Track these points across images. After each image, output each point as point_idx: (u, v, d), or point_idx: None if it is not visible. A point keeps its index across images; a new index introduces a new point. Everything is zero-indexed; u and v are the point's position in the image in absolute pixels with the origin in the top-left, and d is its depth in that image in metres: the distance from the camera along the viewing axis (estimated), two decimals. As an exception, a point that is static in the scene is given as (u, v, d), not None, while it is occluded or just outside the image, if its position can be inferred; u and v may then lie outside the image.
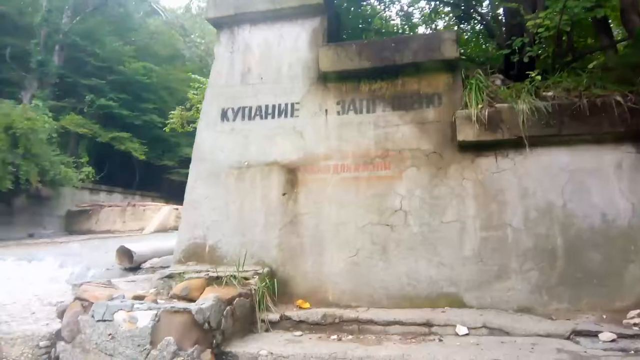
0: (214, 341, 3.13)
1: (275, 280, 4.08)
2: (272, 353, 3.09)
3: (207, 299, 3.21)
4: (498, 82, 4.46)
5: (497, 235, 3.77)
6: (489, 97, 4.09)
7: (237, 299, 3.46)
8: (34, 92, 20.75)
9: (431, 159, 4.06)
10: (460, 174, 3.96)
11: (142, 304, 3.04)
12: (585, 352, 2.82)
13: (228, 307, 3.32)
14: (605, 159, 3.71)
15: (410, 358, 2.88)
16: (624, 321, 3.20)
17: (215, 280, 3.68)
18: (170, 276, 4.00)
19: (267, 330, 3.59)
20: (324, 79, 4.48)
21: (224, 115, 4.64)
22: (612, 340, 2.92)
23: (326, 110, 4.42)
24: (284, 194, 4.31)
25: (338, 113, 4.39)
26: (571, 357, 2.74)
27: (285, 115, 4.50)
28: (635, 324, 3.14)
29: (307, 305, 3.92)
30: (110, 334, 2.94)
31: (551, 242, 3.67)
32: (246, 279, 3.82)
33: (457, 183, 3.95)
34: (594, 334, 3.04)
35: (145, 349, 2.88)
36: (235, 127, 4.58)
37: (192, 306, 3.01)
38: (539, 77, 3.97)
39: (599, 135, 3.70)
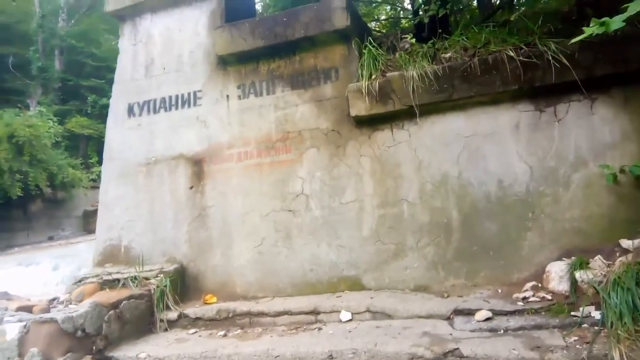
0: (94, 347, 3.12)
1: (185, 276, 4.04)
2: (149, 355, 3.07)
3: (83, 305, 3.19)
4: (407, 46, 4.16)
5: (394, 212, 3.57)
6: (388, 65, 3.82)
7: (125, 301, 3.43)
8: (38, 98, 21.29)
9: (330, 138, 3.87)
10: (358, 150, 3.76)
11: (13, 315, 3.04)
12: (450, 334, 2.67)
13: (112, 312, 3.31)
14: (501, 121, 3.42)
15: (274, 352, 2.80)
16: (514, 295, 3.00)
17: (111, 283, 3.67)
18: (81, 280, 4.00)
19: (165, 330, 3.57)
20: (224, 63, 4.30)
21: (130, 111, 4.55)
22: (487, 319, 2.75)
23: (227, 96, 4.26)
24: (191, 188, 4.22)
25: (239, 97, 4.23)
26: (432, 340, 2.59)
27: (189, 105, 4.36)
28: (524, 298, 2.93)
29: (214, 300, 3.87)
30: (-14, 348, 2.96)
31: (446, 215, 3.45)
32: (147, 278, 3.79)
33: (355, 161, 3.75)
34: (472, 313, 2.85)
35: (15, 361, 2.89)
36: (141, 122, 4.49)
37: (59, 315, 2.99)
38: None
39: (493, 96, 3.41)
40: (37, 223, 17.93)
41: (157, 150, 4.38)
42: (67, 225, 17.77)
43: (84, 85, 20.79)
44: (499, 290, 3.16)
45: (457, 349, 2.46)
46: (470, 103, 3.48)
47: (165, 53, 4.55)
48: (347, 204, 3.72)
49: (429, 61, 3.65)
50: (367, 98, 3.62)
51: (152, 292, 3.69)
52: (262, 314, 3.41)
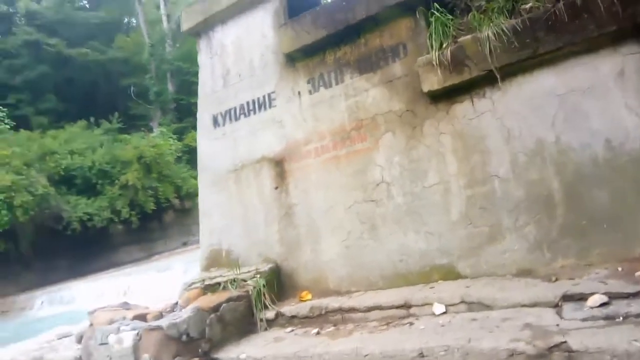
0: (200, 349, 3.33)
1: (280, 274, 4.13)
2: (249, 356, 3.19)
3: (186, 311, 3.41)
4: (483, 3, 3.73)
5: (484, 191, 3.24)
6: (460, 30, 3.47)
7: (224, 304, 3.60)
8: (158, 120, 23.69)
9: (405, 119, 3.63)
10: (436, 128, 3.48)
11: (128, 325, 3.36)
12: (557, 324, 2.33)
13: (212, 315, 3.49)
14: (601, 71, 2.89)
15: (363, 351, 2.71)
16: (637, 273, 2.53)
17: (212, 287, 3.88)
18: (191, 285, 4.31)
19: (265, 329, 3.68)
20: (292, 60, 4.28)
21: (215, 121, 4.76)
22: (602, 305, 2.34)
23: (299, 93, 4.23)
24: (276, 188, 4.29)
25: (310, 92, 4.17)
26: (534, 333, 2.29)
27: (265, 108, 4.43)
28: (652, 276, 2.44)
29: (309, 296, 3.89)
30: (108, 356, 3.33)
31: (546, 187, 3.02)
32: (244, 280, 3.93)
33: (435, 140, 3.47)
34: (585, 298, 2.45)
35: (132, 366, 3.19)
36: (225, 131, 4.67)
37: (164, 322, 3.23)
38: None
39: (588, 43, 2.89)
40: (172, 231, 19.95)
41: (242, 156, 4.52)
42: (196, 230, 19.43)
43: (194, 102, 22.53)
44: (619, 269, 2.68)
45: (565, 342, 2.13)
46: (560, 55, 2.99)
47: (238, 61, 4.67)
48: (430, 188, 3.46)
49: (506, 16, 3.22)
50: (439, 70, 3.32)
51: (250, 293, 3.81)
52: (353, 309, 3.34)
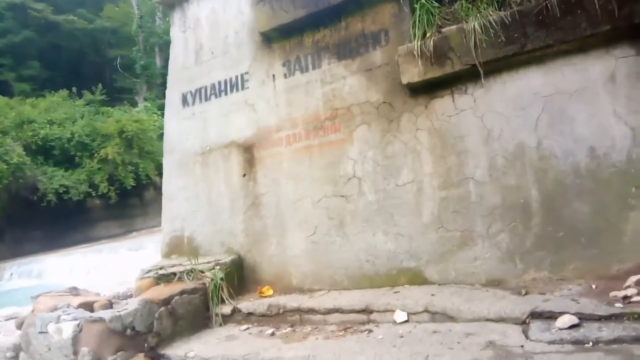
0: (146, 345, 3.11)
1: (242, 267, 3.92)
2: (197, 355, 2.98)
3: (132, 303, 3.18)
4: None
5: (458, 194, 3.04)
6: (446, 20, 3.23)
7: (176, 297, 3.38)
8: (144, 94, 23.11)
9: (382, 112, 3.40)
10: (414, 124, 3.26)
11: (69, 314, 3.12)
12: (522, 346, 2.15)
13: (163, 308, 3.27)
14: (591, 73, 2.68)
15: (315, 359, 2.50)
16: (611, 294, 2.36)
17: (167, 278, 3.64)
18: (148, 272, 4.07)
19: (220, 325, 3.48)
20: (268, 40, 4.01)
21: (184, 100, 4.48)
22: (571, 327, 2.17)
23: (273, 76, 3.97)
24: (244, 175, 4.05)
25: (285, 76, 3.91)
26: (496, 354, 2.10)
27: (237, 89, 4.16)
28: (625, 297, 2.29)
29: (270, 292, 3.70)
30: (47, 345, 3.10)
31: (524, 194, 2.83)
32: (202, 271, 3.71)
33: (411, 136, 3.26)
34: (555, 317, 2.28)
35: (71, 359, 2.96)
36: (195, 111, 4.40)
37: (107, 314, 3.00)
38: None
39: (579, 42, 2.67)
40: (152, 209, 19.55)
41: (211, 139, 4.26)
42: (177, 209, 19.09)
43: (182, 78, 21.92)
44: (593, 286, 2.52)
45: (527, 368, 1.95)
46: (549, 54, 2.78)
47: (212, 36, 4.37)
48: (403, 186, 3.26)
49: (495, 8, 2.98)
50: (420, 61, 3.09)
51: (207, 285, 3.59)
52: (312, 310, 3.14)
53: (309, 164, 3.70)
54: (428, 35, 3.14)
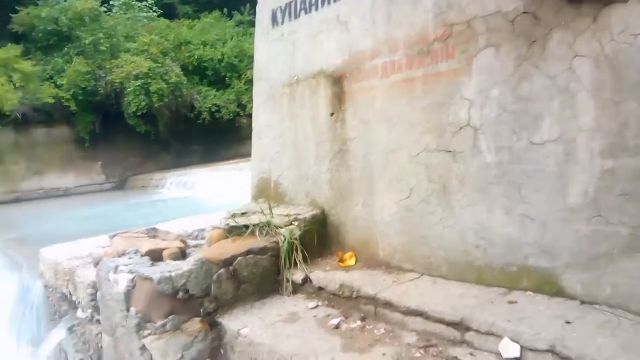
0: (202, 310, 2.75)
1: (326, 225, 3.29)
2: (247, 336, 2.52)
3: (188, 262, 2.80)
4: None
5: (636, 166, 1.83)
6: None
7: (240, 257, 2.91)
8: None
9: (519, 28, 2.21)
10: (570, 47, 2.03)
11: (127, 265, 2.88)
12: None
13: (222, 270, 2.83)
14: None
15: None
16: None
17: (238, 230, 3.19)
18: (233, 215, 3.71)
19: (292, 293, 2.96)
20: None
21: (274, 18, 3.73)
22: None
23: (373, -20, 2.95)
24: (331, 114, 3.26)
25: (387, -21, 2.86)
26: None
27: (329, 2, 3.25)
28: None
29: (352, 261, 3.04)
30: (109, 294, 2.95)
31: None
32: (278, 227, 3.17)
33: (564, 66, 2.05)
34: None
35: (124, 315, 2.77)
36: (284, 32, 3.64)
37: (155, 274, 2.66)
38: None
39: None
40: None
41: (299, 66, 3.50)
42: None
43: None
44: None
45: None
46: None
47: None
48: (542, 146, 2.13)
49: None
50: (592, -63, 1.80)
51: (280, 244, 3.05)
52: (389, 305, 2.38)
53: (408, 104, 2.72)
54: None
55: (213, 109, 17.56)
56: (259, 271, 2.97)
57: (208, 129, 17.62)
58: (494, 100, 2.31)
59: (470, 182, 2.42)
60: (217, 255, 2.86)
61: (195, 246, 3.53)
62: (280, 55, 3.67)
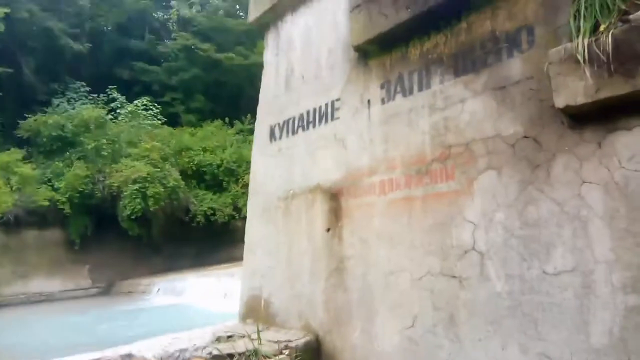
0: None
1: (320, 353, 2.97)
2: None
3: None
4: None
5: (666, 307, 1.65)
6: (635, 3, 1.91)
7: (221, 395, 2.56)
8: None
9: (520, 151, 2.18)
10: (577, 173, 1.96)
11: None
12: None
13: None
14: None
15: None
16: None
17: (222, 359, 2.87)
18: (218, 339, 3.38)
19: None
20: (364, 56, 3.08)
21: (271, 134, 3.77)
22: None
23: (369, 102, 3.01)
24: (328, 230, 3.13)
25: (383, 101, 2.92)
26: None
27: (326, 120, 3.30)
28: None
29: (348, 398, 2.66)
30: None
31: None
32: (267, 357, 2.85)
33: (572, 192, 1.97)
34: None
35: None
36: (281, 147, 3.65)
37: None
38: None
39: None
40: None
41: (296, 181, 3.45)
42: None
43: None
44: None
45: None
46: None
47: (304, 58, 3.61)
48: (556, 277, 1.97)
49: None
50: (588, 70, 1.82)
51: (268, 379, 2.72)
52: None
53: (408, 223, 2.61)
54: (603, 27, 1.86)
55: (209, 212, 17.56)
56: (244, 410, 2.60)
57: (202, 231, 17.45)
58: (500, 224, 2.19)
59: (480, 313, 2.20)
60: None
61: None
62: (277, 170, 3.64)
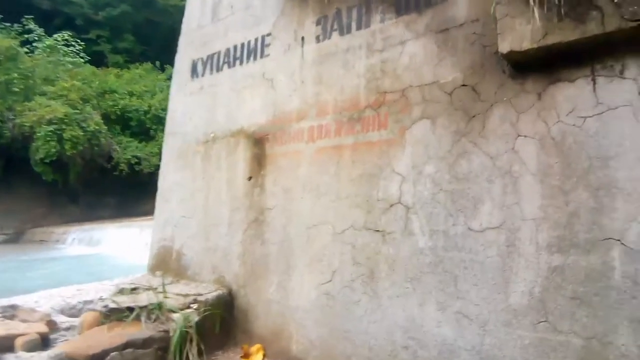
0: None
1: (233, 308, 2.76)
2: None
3: (41, 358, 2.13)
4: None
5: (588, 265, 1.59)
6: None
7: (114, 353, 2.29)
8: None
9: (457, 101, 2.02)
10: (513, 125, 1.84)
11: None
12: None
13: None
14: None
15: None
16: None
17: (117, 314, 2.57)
18: (121, 291, 3.06)
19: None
20: (301, -13, 2.75)
21: (194, 69, 3.38)
22: None
23: (302, 39, 2.71)
24: (249, 178, 2.86)
25: (318, 39, 2.64)
26: None
27: (255, 57, 2.97)
28: None
29: (257, 358, 2.51)
30: None
31: None
32: (172, 311, 2.60)
33: (506, 146, 1.84)
34: None
35: None
36: (204, 85, 3.28)
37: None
38: None
39: None
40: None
41: (218, 122, 3.13)
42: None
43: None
44: None
45: None
46: None
47: (235, -16, 3.20)
48: (482, 233, 1.86)
49: None
50: (537, 11, 1.66)
51: (171, 334, 2.47)
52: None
53: (336, 174, 2.41)
54: (558, -35, 1.69)
55: (133, 161, 16.58)
56: (143, 368, 2.36)
57: (126, 181, 16.48)
58: (429, 177, 2.05)
59: (401, 269, 2.08)
60: (82, 349, 2.23)
61: (69, 328, 2.83)
62: (197, 110, 3.28)
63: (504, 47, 1.77)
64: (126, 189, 16.83)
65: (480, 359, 1.80)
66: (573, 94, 1.69)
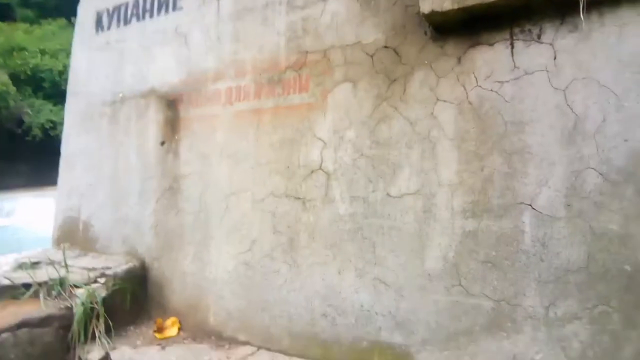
0: None
1: (146, 282, 2.58)
2: None
3: None
4: None
5: (500, 230, 1.61)
6: None
7: (6, 334, 2.05)
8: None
9: (379, 63, 1.93)
10: (432, 90, 1.78)
11: None
12: None
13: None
14: None
15: None
16: None
17: (11, 292, 2.31)
18: (20, 266, 2.75)
19: (83, 382, 2.15)
20: None
21: (98, 22, 3.03)
22: None
23: (220, -10, 2.48)
24: (162, 143, 2.64)
25: (236, -8, 2.43)
26: None
27: (166, 9, 2.69)
28: None
29: (172, 331, 2.39)
30: None
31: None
32: (75, 286, 2.37)
33: (426, 110, 1.79)
34: None
35: None
36: (110, 40, 2.95)
37: None
38: None
39: None
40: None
41: (126, 83, 2.84)
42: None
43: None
44: None
45: None
46: None
47: None
48: (400, 199, 1.83)
49: None
50: (458, -30, 1.58)
51: (74, 312, 2.26)
52: (212, 398, 1.80)
53: (255, 139, 2.27)
54: None
55: (47, 126, 15.29)
56: (37, 351, 2.14)
57: (40, 147, 15.18)
58: (350, 142, 1.97)
59: (321, 236, 2.02)
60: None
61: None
62: (103, 67, 2.96)
63: (426, 7, 1.69)
64: (41, 156, 15.51)
65: (396, 324, 1.80)
66: (492, 58, 1.66)
